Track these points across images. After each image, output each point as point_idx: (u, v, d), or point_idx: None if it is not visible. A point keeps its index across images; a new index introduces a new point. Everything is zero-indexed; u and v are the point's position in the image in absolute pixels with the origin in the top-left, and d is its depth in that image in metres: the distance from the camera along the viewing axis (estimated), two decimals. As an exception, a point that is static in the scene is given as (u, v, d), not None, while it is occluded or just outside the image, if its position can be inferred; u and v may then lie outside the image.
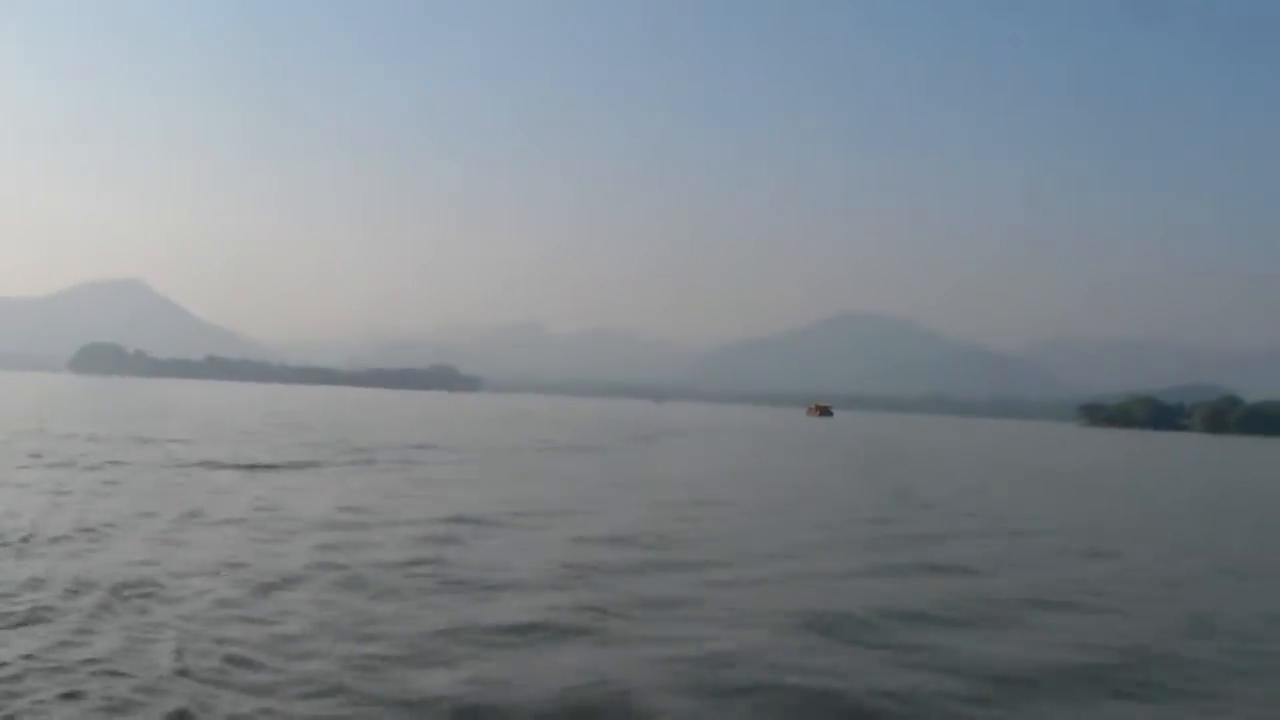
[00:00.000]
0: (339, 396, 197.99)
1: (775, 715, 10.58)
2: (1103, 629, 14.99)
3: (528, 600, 14.92)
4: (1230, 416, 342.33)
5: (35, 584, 14.39)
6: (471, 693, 10.67)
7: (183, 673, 10.78)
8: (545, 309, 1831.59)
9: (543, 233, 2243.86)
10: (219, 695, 10.25)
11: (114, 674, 10.68)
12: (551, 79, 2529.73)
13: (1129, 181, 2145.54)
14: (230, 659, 11.33)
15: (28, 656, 11.04)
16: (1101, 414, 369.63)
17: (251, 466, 33.65)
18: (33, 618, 12.61)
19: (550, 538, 21.22)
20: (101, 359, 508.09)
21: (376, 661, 11.56)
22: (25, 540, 17.75)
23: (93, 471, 29.83)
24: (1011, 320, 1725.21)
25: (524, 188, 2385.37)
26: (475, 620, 13.56)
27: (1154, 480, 60.39)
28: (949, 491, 38.93)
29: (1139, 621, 15.65)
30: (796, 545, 21.97)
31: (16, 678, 10.43)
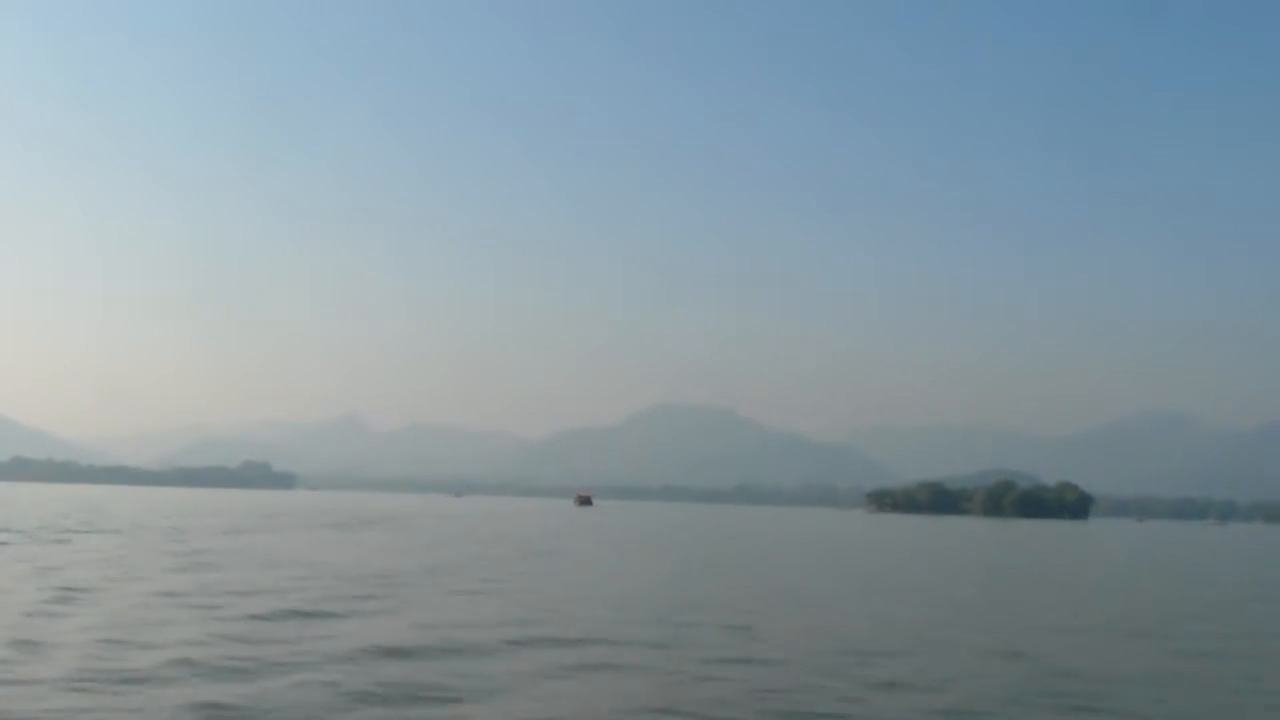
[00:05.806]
0: (112, 494, 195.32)
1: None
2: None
3: None
4: (1006, 500, 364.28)
5: None
6: None
7: None
8: (368, 404, 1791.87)
9: (372, 326, 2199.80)
10: None
11: None
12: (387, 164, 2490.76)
13: (967, 275, 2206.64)
14: None
15: None
16: (887, 500, 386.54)
17: None
18: None
19: None
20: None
21: None
22: None
23: None
24: (836, 409, 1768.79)
25: (353, 282, 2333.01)
26: None
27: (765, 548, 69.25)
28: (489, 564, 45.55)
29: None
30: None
31: None
